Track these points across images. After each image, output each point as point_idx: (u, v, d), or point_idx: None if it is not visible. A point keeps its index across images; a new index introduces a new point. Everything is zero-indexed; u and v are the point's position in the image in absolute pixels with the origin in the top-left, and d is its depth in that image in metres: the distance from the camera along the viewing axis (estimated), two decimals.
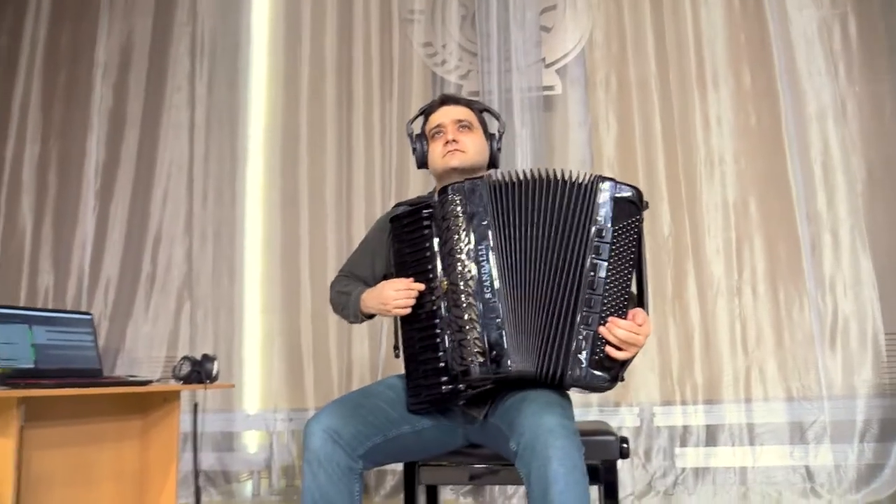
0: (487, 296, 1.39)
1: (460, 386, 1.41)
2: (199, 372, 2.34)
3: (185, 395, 2.74)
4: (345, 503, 1.38)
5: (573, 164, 3.35)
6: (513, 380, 1.43)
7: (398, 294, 1.48)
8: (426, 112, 1.81)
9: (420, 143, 1.77)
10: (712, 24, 3.32)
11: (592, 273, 1.40)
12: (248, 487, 3.32)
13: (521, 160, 3.31)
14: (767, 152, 3.18)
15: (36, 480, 2.06)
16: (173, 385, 2.31)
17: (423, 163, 1.79)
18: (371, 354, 3.28)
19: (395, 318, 1.63)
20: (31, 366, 2.11)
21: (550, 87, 3.48)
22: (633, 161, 3.26)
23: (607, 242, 1.41)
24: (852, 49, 3.22)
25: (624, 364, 1.42)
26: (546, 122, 3.40)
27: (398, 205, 1.80)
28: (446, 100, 1.80)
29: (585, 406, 3.06)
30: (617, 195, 1.45)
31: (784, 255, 3.09)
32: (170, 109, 3.64)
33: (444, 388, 1.43)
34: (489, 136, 1.78)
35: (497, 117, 1.82)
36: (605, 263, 1.41)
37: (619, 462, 3.00)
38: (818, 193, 3.12)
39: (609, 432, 1.69)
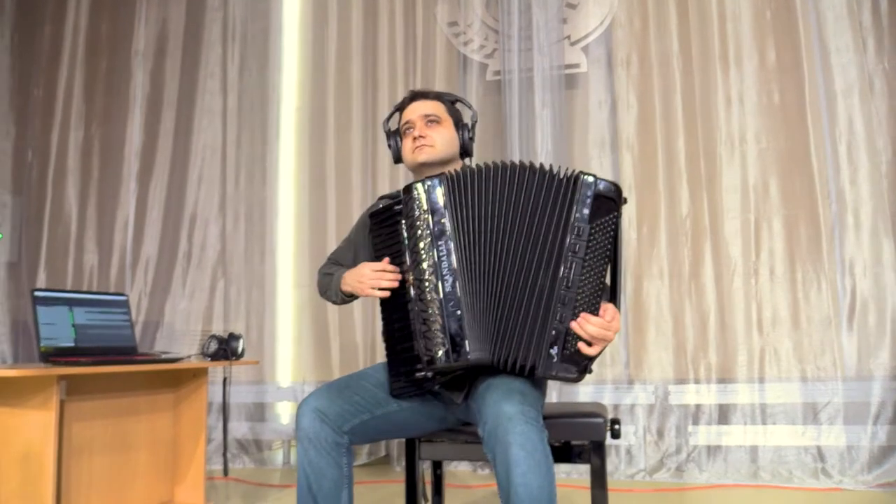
0: (447, 289, 1.46)
1: (428, 374, 1.50)
2: (225, 349, 2.50)
3: (217, 369, 2.92)
4: (334, 474, 1.52)
5: (593, 144, 3.38)
6: (479, 367, 1.50)
7: (373, 275, 1.56)
8: (399, 108, 1.84)
9: (395, 140, 1.81)
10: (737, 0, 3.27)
11: (569, 270, 1.44)
12: (279, 455, 3.52)
13: (541, 140, 3.35)
14: (790, 131, 3.15)
15: (77, 449, 2.25)
16: (201, 362, 2.48)
17: (398, 158, 1.83)
18: None
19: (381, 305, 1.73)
20: (72, 344, 2.30)
21: (576, 66, 3.49)
22: (653, 141, 3.27)
23: (584, 240, 1.45)
24: (882, 24, 3.14)
25: (593, 357, 1.47)
26: (567, 102, 3.42)
27: (381, 198, 1.88)
28: (416, 95, 1.83)
29: (599, 384, 3.14)
30: (597, 191, 1.48)
31: (804, 235, 3.07)
32: (203, 94, 3.80)
33: (418, 374, 1.52)
34: (462, 127, 1.81)
35: (469, 107, 1.86)
36: (581, 260, 1.45)
37: (633, 439, 3.10)
38: (841, 173, 3.08)
39: (598, 414, 1.76)
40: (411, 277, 1.51)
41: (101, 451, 2.33)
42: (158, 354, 2.52)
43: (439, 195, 1.50)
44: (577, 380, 1.48)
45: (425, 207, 1.50)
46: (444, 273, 1.47)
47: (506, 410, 1.37)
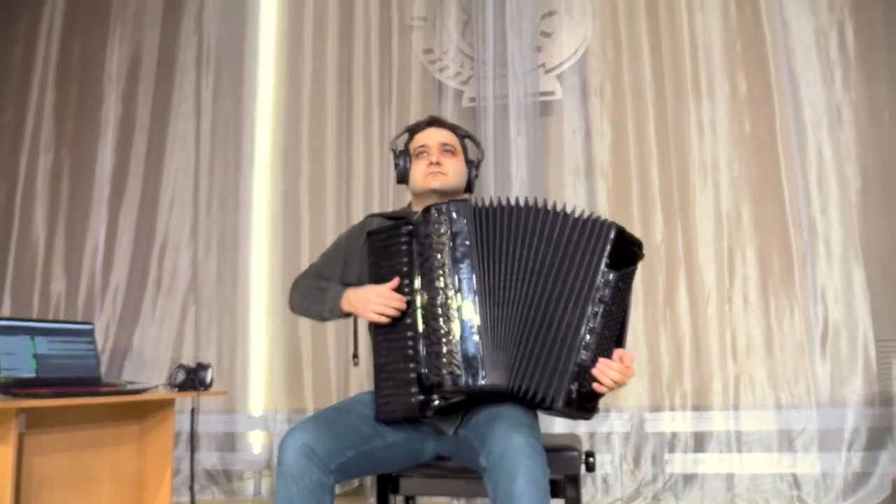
0: (465, 313, 1.46)
1: (433, 397, 1.47)
2: (193, 379, 2.44)
3: (186, 399, 2.85)
4: None
5: (567, 171, 3.39)
6: (485, 394, 1.49)
7: (379, 300, 1.53)
8: (412, 130, 1.87)
9: (403, 160, 1.83)
10: (708, 30, 3.32)
11: (596, 314, 1.46)
12: (249, 486, 3.44)
13: (515, 167, 3.35)
14: (761, 160, 3.19)
15: (37, 484, 2.18)
16: (167, 393, 2.42)
17: (403, 179, 1.84)
18: (368, 357, 3.36)
19: (356, 327, 1.70)
20: (33, 375, 2.23)
21: (550, 93, 3.51)
22: (627, 169, 3.28)
23: (611, 286, 1.48)
24: (849, 56, 3.20)
25: (601, 396, 1.50)
26: (542, 129, 3.43)
27: (372, 215, 1.87)
28: (433, 121, 1.86)
29: None
30: (626, 241, 1.53)
31: (776, 263, 3.10)
32: (177, 119, 3.76)
33: (414, 398, 1.48)
34: (468, 163, 1.85)
35: (477, 144, 1.88)
36: (606, 306, 1.47)
37: (609, 468, 3.08)
38: (812, 201, 3.12)
39: (572, 447, 1.74)
40: (424, 298, 1.49)
41: (62, 485, 2.25)
42: (124, 385, 2.46)
43: (464, 220, 1.51)
44: (588, 418, 1.50)
45: (447, 230, 1.50)
46: (464, 296, 1.46)
47: (515, 442, 1.36)
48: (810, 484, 2.88)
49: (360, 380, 3.34)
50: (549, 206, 1.52)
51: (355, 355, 1.72)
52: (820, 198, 3.11)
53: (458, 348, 1.44)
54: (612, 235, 1.50)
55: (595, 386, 1.46)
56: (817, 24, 3.23)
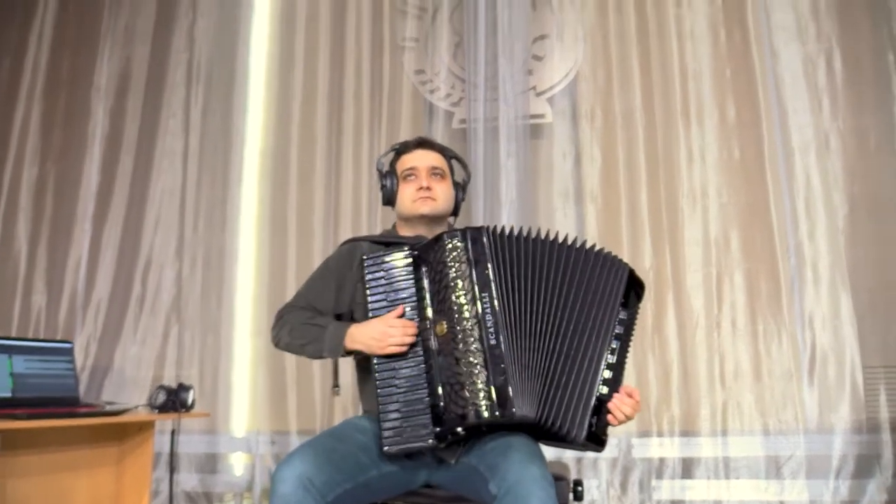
0: (492, 342, 1.42)
1: (458, 429, 1.42)
2: (174, 401, 2.39)
3: (166, 420, 2.80)
4: None
5: (557, 195, 3.38)
6: (510, 425, 1.46)
7: (395, 331, 1.48)
8: (399, 151, 1.83)
9: (390, 180, 1.78)
10: (698, 58, 3.35)
11: (614, 350, 1.50)
12: None
13: (505, 189, 3.34)
14: (750, 186, 3.20)
15: None
16: (147, 415, 2.37)
17: (390, 201, 1.79)
18: (353, 380, 3.32)
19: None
20: (9, 395, 2.17)
21: (541, 116, 3.52)
22: (617, 194, 3.29)
23: (626, 323, 1.53)
24: (837, 84, 3.24)
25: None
26: (532, 152, 3.43)
27: (356, 239, 1.81)
28: (422, 143, 1.81)
29: None
30: (637, 282, 1.59)
31: (764, 289, 3.10)
32: (165, 135, 3.72)
33: (430, 431, 1.42)
34: (456, 185, 1.81)
35: (465, 167, 1.85)
36: (620, 343, 1.52)
37: (595, 492, 3.04)
38: (800, 228, 3.13)
39: (561, 476, 1.71)
40: (443, 326, 1.46)
41: None
42: (103, 405, 2.41)
43: (481, 248, 1.48)
44: (600, 450, 1.52)
45: (465, 257, 1.47)
46: (489, 325, 1.43)
47: (532, 472, 1.35)
48: None
49: (345, 402, 3.30)
50: (570, 240, 1.54)
51: (335, 384, 1.68)
52: (808, 223, 3.13)
53: (483, 379, 1.41)
54: (625, 273, 1.55)
55: (609, 418, 1.49)
56: (805, 53, 3.26)
